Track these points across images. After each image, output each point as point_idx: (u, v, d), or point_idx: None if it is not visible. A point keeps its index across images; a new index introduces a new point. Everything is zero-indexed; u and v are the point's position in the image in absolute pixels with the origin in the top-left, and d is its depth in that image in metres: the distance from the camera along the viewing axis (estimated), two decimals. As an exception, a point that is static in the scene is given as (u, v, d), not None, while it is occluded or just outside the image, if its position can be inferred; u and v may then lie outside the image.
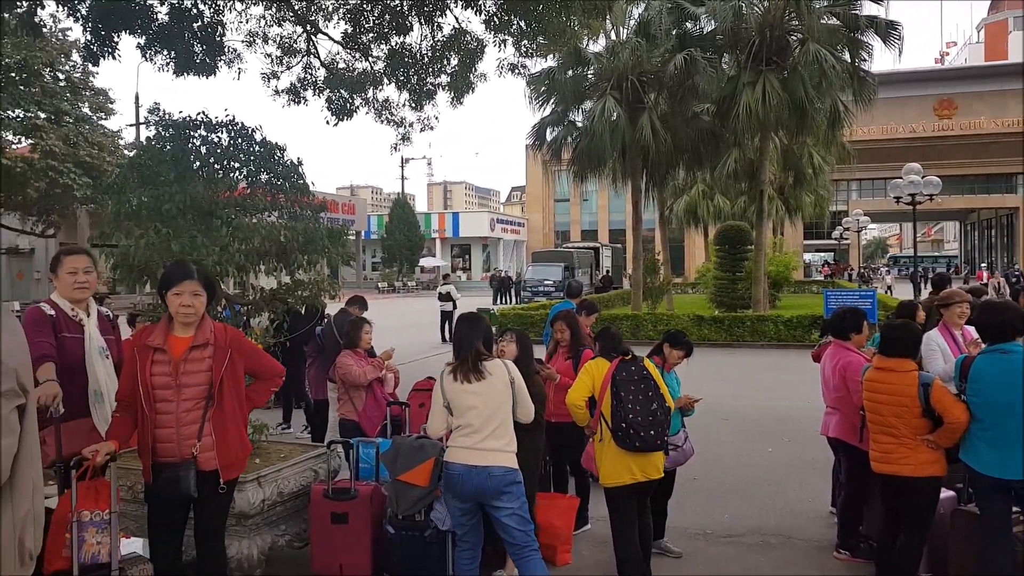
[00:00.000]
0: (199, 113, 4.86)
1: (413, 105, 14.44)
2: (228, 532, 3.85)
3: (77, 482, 3.13)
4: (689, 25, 20.03)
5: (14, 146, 22.97)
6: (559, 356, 5.63)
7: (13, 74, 21.77)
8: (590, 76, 21.55)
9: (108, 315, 4.04)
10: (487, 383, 3.91)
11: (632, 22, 21.29)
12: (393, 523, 4.36)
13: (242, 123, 4.91)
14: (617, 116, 19.78)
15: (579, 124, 21.87)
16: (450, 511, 4.07)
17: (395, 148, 16.89)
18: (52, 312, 3.72)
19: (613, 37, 21.30)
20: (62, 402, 3.39)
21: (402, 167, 59.85)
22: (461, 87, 13.43)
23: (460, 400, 3.92)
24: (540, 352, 5.41)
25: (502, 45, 12.58)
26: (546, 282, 34.55)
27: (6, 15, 9.64)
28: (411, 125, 15.63)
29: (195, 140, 4.79)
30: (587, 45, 20.33)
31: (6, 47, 19.14)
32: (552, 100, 21.31)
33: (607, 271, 41.95)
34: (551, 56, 16.80)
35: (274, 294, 4.96)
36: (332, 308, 7.09)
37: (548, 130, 22.20)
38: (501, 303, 34.32)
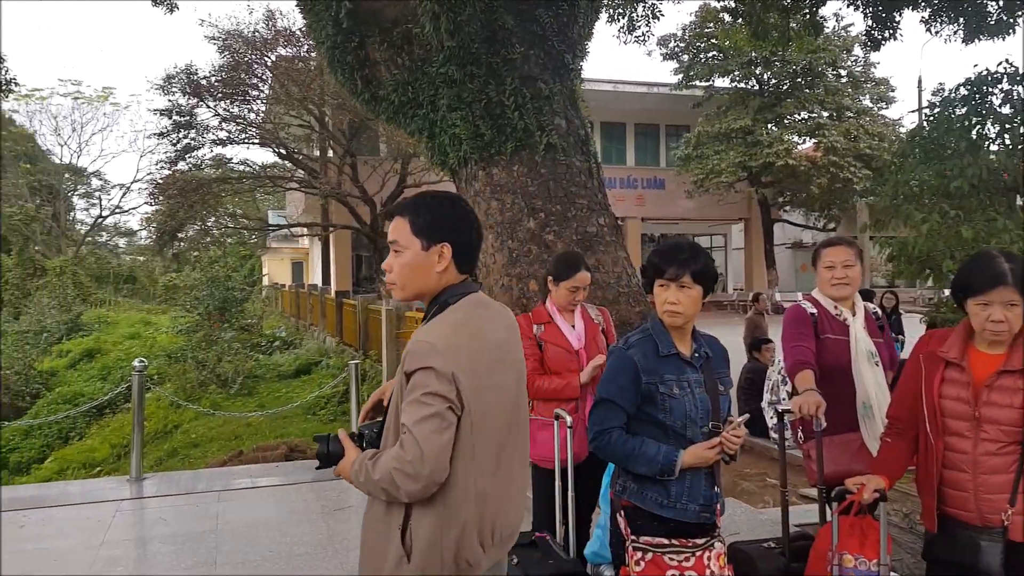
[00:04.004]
0: (999, 63, 3.81)
1: None
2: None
3: (839, 516, 2.65)
4: None
5: (799, 147, 25.01)
6: None
7: (799, 79, 23.92)
8: None
9: (875, 313, 3.51)
10: None
11: None
12: None
13: (1063, 64, 3.66)
14: None
15: None
16: None
17: None
18: (814, 311, 3.36)
19: None
20: (825, 413, 2.99)
21: None
22: None
23: None
24: None
25: None
26: None
27: (792, 23, 10.08)
28: None
29: (993, 98, 3.78)
30: None
31: (791, 52, 20.97)
32: None
33: None
34: None
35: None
36: None
37: None
38: None
